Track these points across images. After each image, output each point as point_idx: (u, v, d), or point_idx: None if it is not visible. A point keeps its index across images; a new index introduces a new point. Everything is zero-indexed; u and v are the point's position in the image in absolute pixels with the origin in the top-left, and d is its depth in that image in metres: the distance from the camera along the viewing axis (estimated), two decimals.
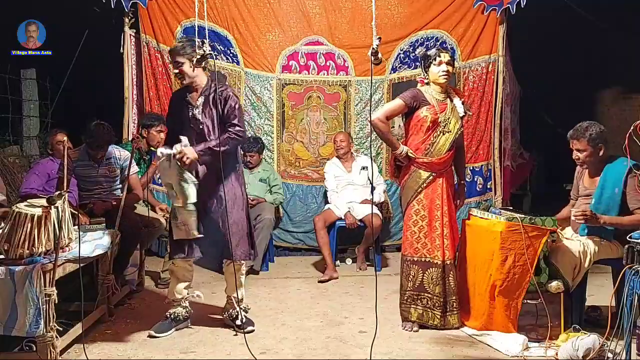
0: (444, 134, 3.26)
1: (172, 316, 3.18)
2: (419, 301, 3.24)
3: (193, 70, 3.06)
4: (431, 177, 3.27)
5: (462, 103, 3.36)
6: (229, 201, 3.06)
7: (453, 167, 3.45)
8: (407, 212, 3.32)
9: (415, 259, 3.26)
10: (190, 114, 3.10)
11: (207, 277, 4.35)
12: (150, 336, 3.09)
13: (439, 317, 3.19)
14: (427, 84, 3.35)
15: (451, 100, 3.33)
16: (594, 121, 3.17)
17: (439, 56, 3.25)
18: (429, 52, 3.35)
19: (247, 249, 3.19)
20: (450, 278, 3.23)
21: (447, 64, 3.25)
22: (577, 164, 3.22)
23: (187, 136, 3.01)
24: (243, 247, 3.15)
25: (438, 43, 5.05)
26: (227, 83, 4.96)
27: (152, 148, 4.21)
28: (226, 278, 3.27)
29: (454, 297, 3.22)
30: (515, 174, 5.64)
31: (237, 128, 3.06)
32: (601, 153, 3.10)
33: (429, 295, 3.21)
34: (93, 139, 3.64)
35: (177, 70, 3.08)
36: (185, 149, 2.94)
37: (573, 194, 3.40)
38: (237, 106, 3.09)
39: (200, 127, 3.08)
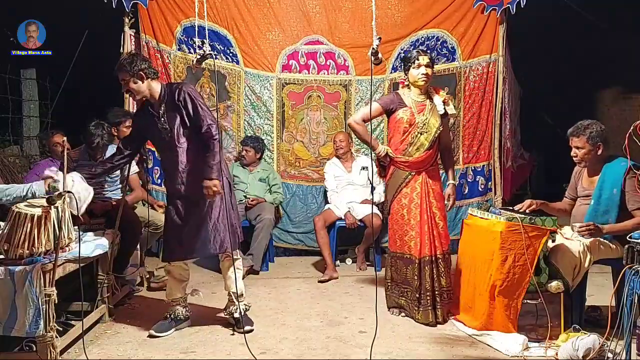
0: (422, 134, 3.35)
1: (172, 316, 3.19)
2: (405, 292, 3.39)
3: (143, 83, 3.01)
4: (410, 176, 3.38)
5: (444, 102, 3.39)
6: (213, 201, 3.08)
7: (443, 167, 3.55)
8: (390, 210, 3.46)
9: (399, 254, 3.41)
10: (159, 125, 3.06)
11: (207, 277, 4.36)
12: (150, 336, 3.10)
13: (415, 310, 3.31)
14: (407, 86, 3.45)
15: (431, 101, 3.39)
16: (595, 120, 3.18)
17: (418, 59, 3.32)
18: (408, 55, 3.41)
19: (235, 239, 3.17)
20: (426, 275, 3.29)
21: (427, 66, 3.32)
22: (575, 161, 3.22)
23: (160, 146, 3.13)
24: (231, 238, 3.13)
25: (439, 42, 5.07)
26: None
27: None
28: (223, 274, 3.29)
29: (428, 294, 3.29)
30: (515, 174, 5.64)
31: (207, 125, 2.97)
32: (600, 152, 3.10)
33: (411, 289, 3.35)
34: (92, 139, 3.64)
35: (125, 90, 3.05)
36: (209, 183, 2.93)
37: (568, 194, 3.40)
38: (198, 102, 3.01)
39: (169, 135, 3.05)
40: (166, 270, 3.25)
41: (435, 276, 3.30)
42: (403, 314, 3.42)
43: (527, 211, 3.11)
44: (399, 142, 3.40)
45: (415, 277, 3.30)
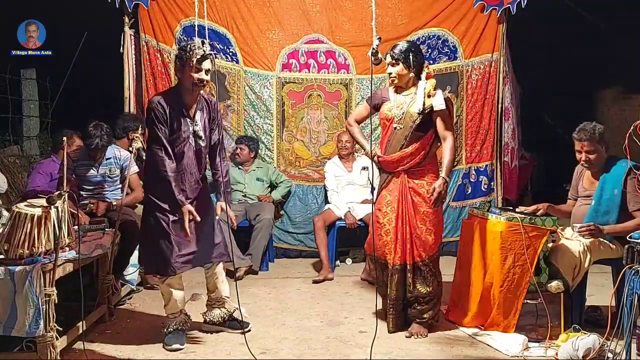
0: (398, 129, 3.10)
1: (177, 326, 3.04)
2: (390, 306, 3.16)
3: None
4: (389, 177, 3.18)
5: (428, 95, 3.03)
6: (210, 203, 3.11)
7: (440, 165, 3.15)
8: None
9: (372, 257, 3.27)
10: (191, 129, 2.97)
11: (205, 277, 4.34)
12: (173, 350, 2.94)
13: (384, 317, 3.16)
14: None
15: (416, 94, 3.09)
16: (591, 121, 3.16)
17: (386, 58, 3.10)
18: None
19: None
20: (392, 283, 3.09)
21: (391, 65, 3.10)
22: (586, 166, 3.16)
23: (180, 146, 2.94)
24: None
25: (440, 41, 5.07)
26: (226, 82, 4.99)
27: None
28: (214, 280, 3.19)
29: (392, 303, 3.12)
30: (517, 175, 5.65)
31: (225, 155, 3.25)
32: (605, 152, 3.10)
33: (384, 294, 3.19)
34: (91, 140, 3.62)
35: (206, 78, 2.92)
36: (224, 206, 3.07)
37: (571, 194, 3.40)
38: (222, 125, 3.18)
39: (202, 144, 3.02)
40: (166, 284, 3.02)
41: (410, 284, 3.08)
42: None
43: (537, 214, 3.08)
44: (382, 139, 3.24)
45: (387, 284, 3.13)
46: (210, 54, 2.91)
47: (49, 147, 4.27)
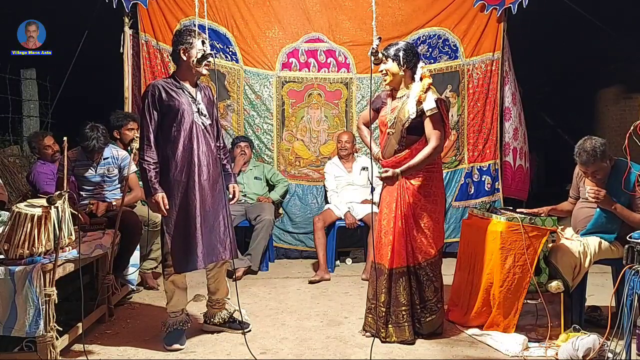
0: (391, 135, 3.05)
1: (180, 326, 3.03)
2: (373, 310, 3.08)
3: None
4: None
5: (418, 100, 2.92)
6: (225, 200, 3.09)
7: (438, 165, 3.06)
8: None
9: (374, 264, 3.12)
10: (196, 109, 2.96)
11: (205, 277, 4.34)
12: (173, 350, 2.93)
13: (382, 327, 2.99)
14: None
15: (408, 97, 3.01)
16: (588, 136, 3.08)
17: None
18: None
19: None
20: (398, 288, 2.98)
21: (383, 62, 3.02)
22: (595, 182, 3.11)
23: (189, 128, 2.90)
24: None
25: (440, 40, 5.09)
26: (226, 82, 5.03)
27: (128, 147, 4.09)
28: (218, 280, 3.18)
29: (402, 309, 2.97)
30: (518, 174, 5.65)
31: (223, 140, 3.24)
32: (610, 161, 3.06)
33: (376, 303, 3.05)
34: (87, 142, 3.61)
35: (209, 51, 2.94)
36: (237, 187, 3.22)
37: (572, 193, 3.39)
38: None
39: (209, 123, 3.01)
40: (171, 281, 2.99)
41: (414, 288, 3.00)
42: (368, 334, 3.08)
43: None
44: (380, 143, 3.18)
45: (384, 290, 2.99)
46: (211, 54, 2.91)
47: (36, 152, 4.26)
